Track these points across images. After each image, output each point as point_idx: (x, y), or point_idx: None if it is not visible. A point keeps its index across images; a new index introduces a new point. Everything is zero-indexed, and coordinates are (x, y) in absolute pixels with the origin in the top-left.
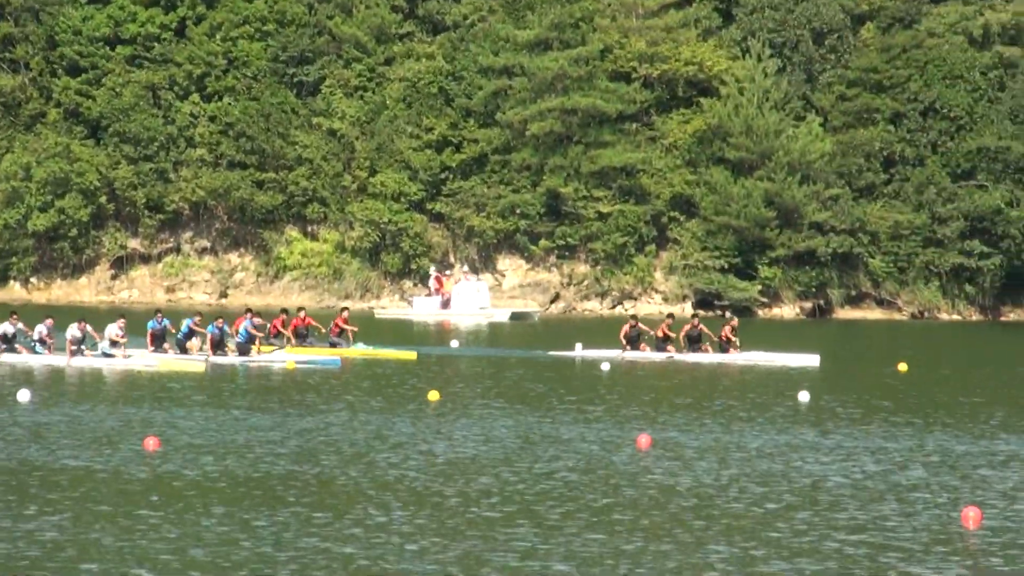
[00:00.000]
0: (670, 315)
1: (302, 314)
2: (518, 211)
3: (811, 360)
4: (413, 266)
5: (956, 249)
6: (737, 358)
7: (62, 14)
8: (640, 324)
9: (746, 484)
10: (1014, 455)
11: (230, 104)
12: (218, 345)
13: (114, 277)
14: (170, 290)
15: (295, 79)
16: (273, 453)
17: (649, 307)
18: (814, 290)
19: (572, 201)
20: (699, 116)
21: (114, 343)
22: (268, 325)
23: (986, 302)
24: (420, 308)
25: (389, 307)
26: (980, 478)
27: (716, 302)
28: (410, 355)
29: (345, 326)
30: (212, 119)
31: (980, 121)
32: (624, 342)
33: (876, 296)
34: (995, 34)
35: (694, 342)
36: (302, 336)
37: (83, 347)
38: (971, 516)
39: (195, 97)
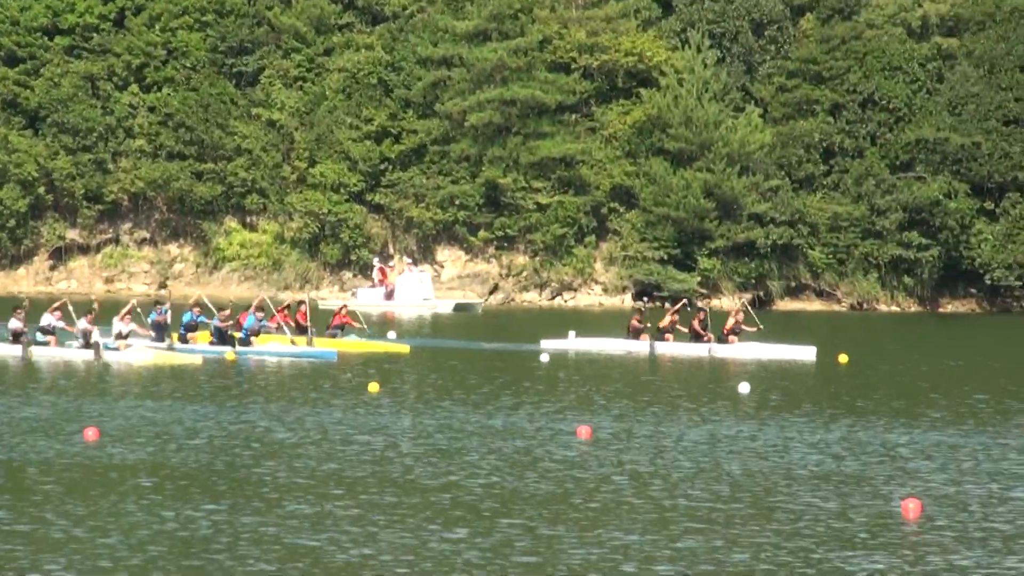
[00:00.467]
0: (677, 305)
1: (303, 308)
2: (457, 202)
3: (808, 353)
4: (353, 257)
5: (895, 241)
6: (738, 349)
7: (0, 4)
8: (643, 319)
9: (680, 475)
10: (953, 446)
11: (169, 95)
12: (221, 337)
13: (53, 268)
14: (109, 281)
15: (234, 70)
16: (190, 446)
17: (589, 298)
18: (753, 281)
19: (511, 192)
20: (639, 107)
21: (120, 336)
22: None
23: (924, 294)
24: (364, 299)
25: (329, 298)
26: (919, 469)
27: (655, 293)
28: (403, 348)
29: (344, 321)
30: (151, 110)
31: (919, 113)
32: (640, 329)
33: (815, 287)
34: (933, 25)
35: (701, 334)
36: (302, 329)
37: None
38: (911, 507)
39: (134, 88)
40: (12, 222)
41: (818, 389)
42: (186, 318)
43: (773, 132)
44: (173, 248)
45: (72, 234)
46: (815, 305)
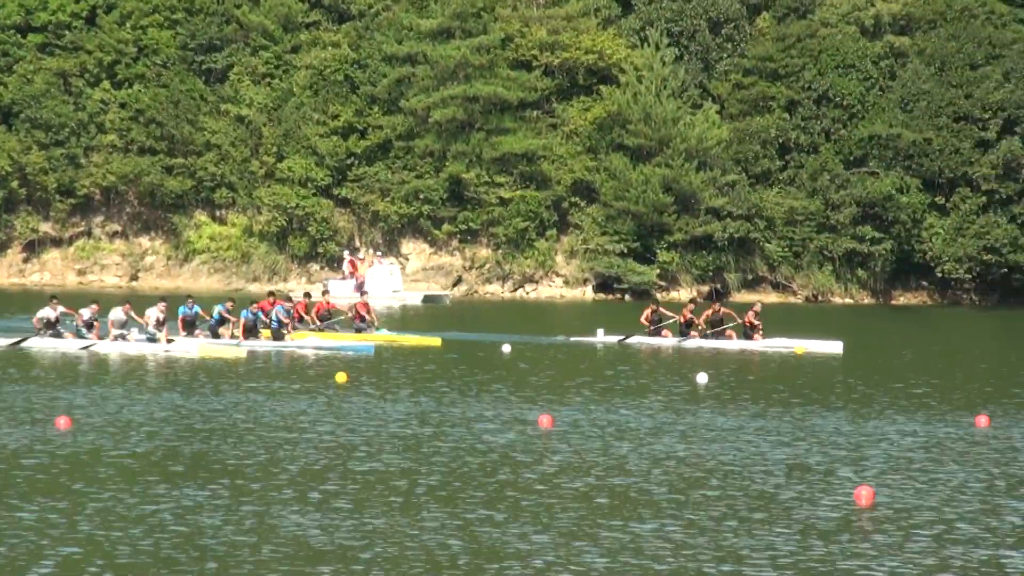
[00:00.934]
0: (692, 300)
1: (325, 299)
2: (421, 196)
3: (835, 347)
4: (320, 250)
5: (848, 234)
6: (759, 344)
7: None
8: (662, 309)
9: (638, 464)
10: (905, 434)
11: (140, 91)
12: (251, 331)
13: (26, 260)
14: (81, 273)
15: (204, 66)
16: (164, 434)
17: (550, 290)
18: (711, 274)
19: (474, 187)
20: (599, 104)
21: (158, 327)
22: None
23: (877, 286)
24: (335, 291)
25: (297, 289)
26: (872, 457)
27: (615, 285)
28: (434, 341)
29: (366, 313)
30: (122, 106)
31: (872, 109)
32: (648, 325)
33: (772, 280)
34: (886, 24)
35: (716, 326)
36: (325, 320)
37: (125, 331)
38: (863, 495)
39: (106, 84)
40: None
41: (769, 380)
42: (216, 313)
43: (730, 128)
44: (144, 241)
45: (45, 227)
46: (771, 297)
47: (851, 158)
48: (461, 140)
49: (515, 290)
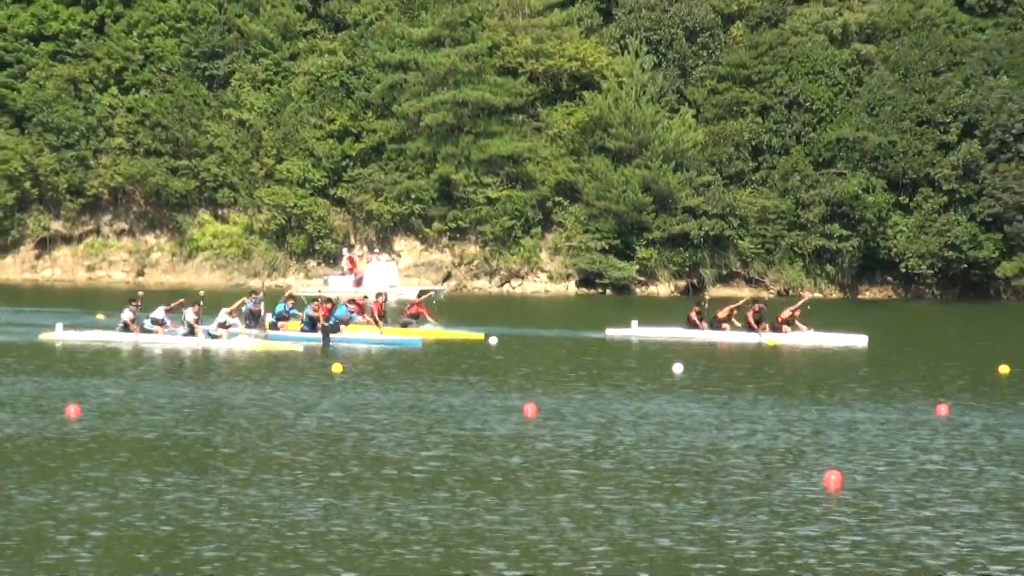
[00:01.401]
0: (754, 300)
1: (381, 298)
2: (413, 196)
3: (860, 340)
4: (317, 247)
5: (818, 232)
6: (790, 338)
7: None
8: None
9: (616, 451)
10: (871, 421)
11: (146, 96)
12: (312, 325)
13: (38, 257)
14: (90, 269)
15: (207, 73)
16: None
17: (535, 285)
18: (688, 270)
19: (463, 187)
20: (581, 108)
21: (222, 325)
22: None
23: (845, 281)
24: (335, 286)
25: (295, 285)
26: (840, 443)
27: (597, 280)
28: (479, 336)
29: (419, 311)
30: (130, 110)
31: (839, 113)
32: (697, 321)
33: (745, 275)
34: (853, 33)
35: (759, 324)
36: (383, 318)
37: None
38: (832, 479)
39: (114, 90)
40: (0, 214)
41: (741, 370)
42: (279, 309)
43: (705, 131)
44: (150, 239)
45: (56, 225)
46: (745, 292)
47: (820, 160)
48: (451, 143)
49: (501, 285)
